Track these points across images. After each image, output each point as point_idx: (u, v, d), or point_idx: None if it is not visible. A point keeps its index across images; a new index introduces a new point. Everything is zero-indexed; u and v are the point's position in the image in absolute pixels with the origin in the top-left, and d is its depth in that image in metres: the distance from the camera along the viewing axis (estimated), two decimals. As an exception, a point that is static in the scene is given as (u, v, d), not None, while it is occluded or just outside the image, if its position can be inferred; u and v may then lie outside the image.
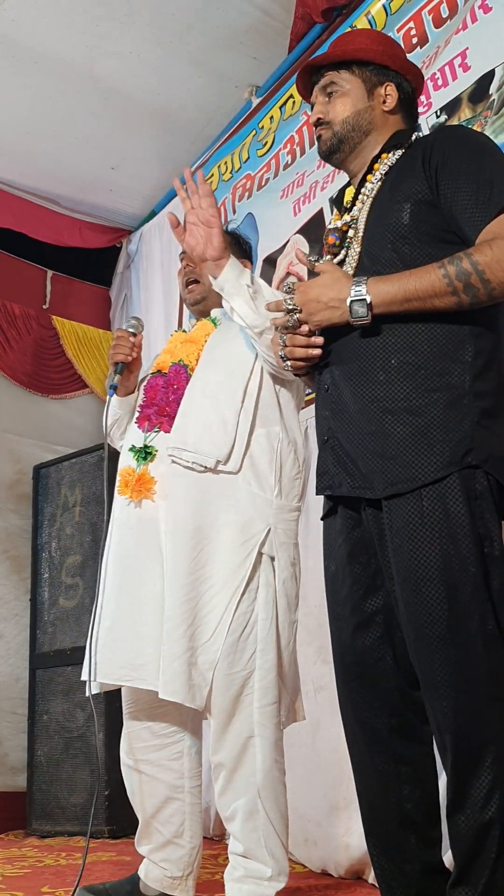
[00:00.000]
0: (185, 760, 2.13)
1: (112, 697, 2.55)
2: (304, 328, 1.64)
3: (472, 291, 1.50)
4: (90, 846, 3.29)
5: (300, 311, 1.63)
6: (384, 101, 1.77)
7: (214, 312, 2.30)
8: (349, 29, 3.23)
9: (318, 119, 1.79)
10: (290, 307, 1.64)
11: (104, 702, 3.33)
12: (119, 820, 3.43)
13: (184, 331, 2.38)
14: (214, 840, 3.17)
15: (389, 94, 1.77)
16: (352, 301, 1.55)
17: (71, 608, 3.82)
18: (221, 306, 2.19)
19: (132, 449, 2.16)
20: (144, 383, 2.26)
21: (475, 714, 1.44)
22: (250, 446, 2.07)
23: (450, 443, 1.51)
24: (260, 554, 2.01)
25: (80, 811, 3.54)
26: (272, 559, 2.04)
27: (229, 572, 1.99)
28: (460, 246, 1.56)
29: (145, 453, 2.12)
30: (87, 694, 2.07)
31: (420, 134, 1.80)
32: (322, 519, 1.76)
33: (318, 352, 1.65)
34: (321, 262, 1.66)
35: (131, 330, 2.29)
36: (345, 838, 2.47)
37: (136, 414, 2.23)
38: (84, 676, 2.06)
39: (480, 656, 1.45)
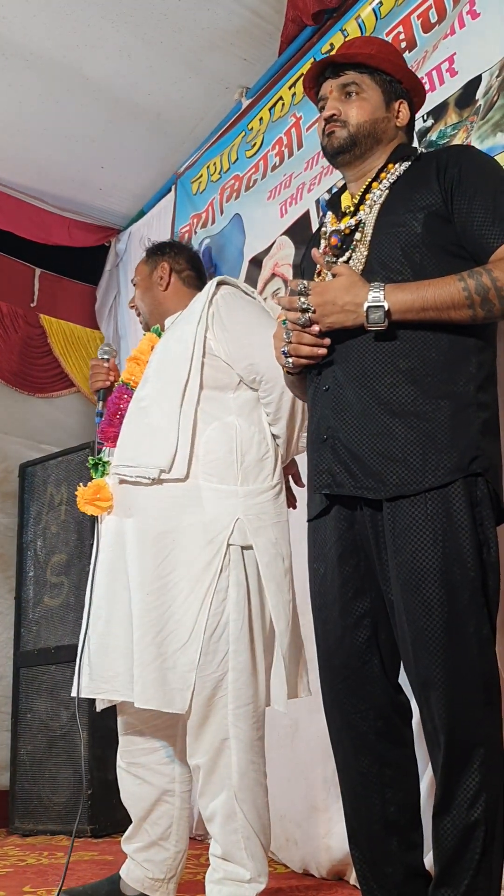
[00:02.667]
0: (176, 765, 2.15)
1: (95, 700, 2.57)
2: (315, 328, 1.64)
3: (489, 306, 1.54)
4: (75, 845, 3.30)
5: (313, 312, 1.63)
6: (398, 116, 1.82)
7: (166, 322, 2.34)
8: (339, 32, 3.24)
9: (333, 115, 1.80)
10: (304, 306, 1.64)
11: (87, 702, 3.34)
12: (101, 819, 3.43)
13: (156, 331, 2.41)
14: (197, 840, 3.17)
15: (402, 110, 1.83)
16: (369, 307, 1.57)
17: (56, 607, 3.82)
18: (167, 316, 2.34)
19: (90, 460, 2.24)
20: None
21: (467, 716, 1.47)
22: (202, 447, 2.07)
23: (457, 449, 1.54)
24: (229, 547, 2.01)
25: (63, 810, 3.55)
26: (245, 549, 2.03)
27: (199, 572, 1.99)
28: (468, 260, 1.61)
29: (96, 465, 2.21)
30: (81, 703, 2.09)
31: (422, 150, 1.84)
32: (309, 520, 1.75)
33: (323, 351, 1.66)
34: (339, 264, 1.67)
35: (104, 356, 2.40)
36: (325, 839, 2.48)
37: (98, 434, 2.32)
38: (73, 693, 2.10)
39: (475, 660, 1.48)
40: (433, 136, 2.68)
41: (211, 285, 2.23)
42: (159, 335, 2.30)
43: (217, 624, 1.98)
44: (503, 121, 2.39)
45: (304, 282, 1.65)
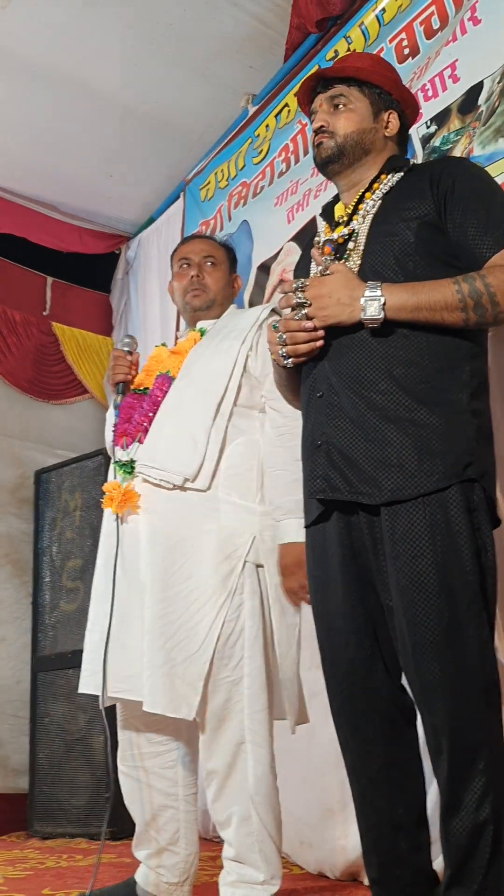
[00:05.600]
0: (179, 769, 2.16)
1: (113, 701, 2.60)
2: (309, 324, 1.66)
3: (481, 311, 1.57)
4: (91, 848, 3.34)
5: (310, 305, 1.65)
6: (386, 126, 1.84)
7: (201, 324, 2.35)
8: (343, 39, 3.27)
9: (321, 126, 1.83)
10: (300, 301, 1.66)
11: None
12: (120, 822, 3.45)
13: (164, 344, 2.42)
14: (214, 841, 3.20)
15: (391, 121, 1.85)
16: (366, 300, 1.59)
17: (72, 611, 3.86)
18: (211, 317, 2.30)
19: (117, 463, 2.19)
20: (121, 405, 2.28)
21: (471, 718, 1.49)
22: (225, 460, 2.10)
23: (452, 454, 1.56)
24: (245, 563, 2.05)
25: (82, 813, 3.59)
26: (259, 567, 2.07)
27: (216, 584, 2.02)
28: (461, 270, 1.63)
29: (130, 468, 2.15)
30: (101, 706, 2.08)
31: (415, 162, 1.87)
32: (308, 526, 1.77)
33: (320, 344, 1.68)
34: (335, 263, 1.69)
35: (126, 349, 2.34)
36: (340, 841, 2.50)
37: (112, 433, 2.26)
38: (82, 689, 2.11)
39: (476, 662, 1.50)
40: (437, 141, 2.70)
41: (264, 310, 2.30)
42: (202, 335, 2.32)
43: (232, 630, 2.01)
44: (504, 127, 2.41)
45: (302, 279, 1.68)
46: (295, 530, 2.01)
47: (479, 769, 1.46)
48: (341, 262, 1.72)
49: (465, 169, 1.78)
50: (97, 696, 2.07)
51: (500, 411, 2.17)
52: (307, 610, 1.90)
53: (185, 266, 2.40)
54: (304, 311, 1.66)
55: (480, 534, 1.56)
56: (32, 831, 3.75)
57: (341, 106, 1.82)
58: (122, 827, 3.47)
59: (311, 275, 1.80)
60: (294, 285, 1.68)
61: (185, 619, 2.00)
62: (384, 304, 1.58)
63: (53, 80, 3.81)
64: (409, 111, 1.90)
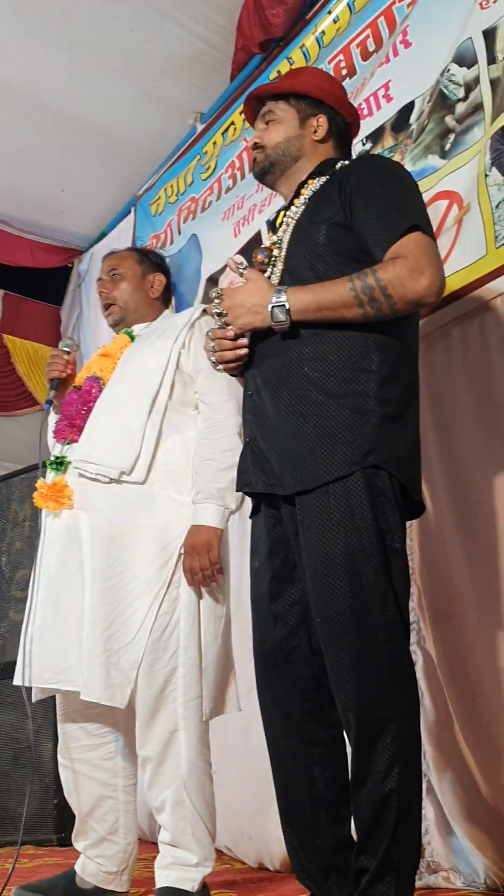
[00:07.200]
0: (119, 759, 2.21)
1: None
2: (230, 332, 1.76)
3: (376, 305, 1.63)
4: (37, 853, 3.34)
5: (227, 315, 1.74)
6: (315, 131, 1.92)
7: (136, 328, 2.42)
8: (285, 60, 3.39)
9: (255, 143, 1.95)
10: (217, 311, 1.75)
11: (52, 712, 3.40)
12: (67, 829, 3.45)
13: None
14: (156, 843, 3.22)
15: (321, 124, 1.92)
16: (273, 307, 1.67)
17: (20, 622, 3.80)
18: (140, 322, 2.33)
19: (47, 462, 2.25)
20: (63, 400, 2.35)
21: (377, 694, 1.55)
22: (161, 456, 2.17)
23: (353, 443, 1.62)
24: (180, 555, 2.11)
25: (30, 821, 3.58)
26: None
27: (151, 576, 2.08)
28: (371, 265, 1.68)
29: (58, 464, 2.21)
30: (26, 701, 2.13)
31: (345, 162, 1.93)
32: (249, 517, 1.88)
33: (245, 352, 1.77)
34: (248, 270, 1.78)
35: (65, 348, 2.40)
36: (277, 832, 2.53)
37: (52, 429, 2.33)
38: (17, 681, 2.14)
39: (382, 641, 1.56)
40: (372, 158, 2.81)
41: (196, 310, 2.38)
42: (132, 338, 2.39)
43: (168, 623, 2.07)
44: (433, 144, 2.53)
45: (219, 289, 1.77)
46: (210, 514, 2.09)
47: (386, 743, 1.53)
48: (270, 269, 1.83)
49: (371, 166, 1.85)
50: (47, 705, 2.10)
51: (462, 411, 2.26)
52: (242, 607, 1.98)
53: (99, 285, 2.51)
54: (222, 321, 1.75)
55: (385, 517, 1.62)
56: (-21, 840, 3.72)
57: (270, 121, 1.93)
58: (69, 834, 3.47)
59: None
60: (212, 295, 1.77)
61: (121, 610, 2.05)
62: (288, 308, 1.66)
63: (4, 96, 3.86)
64: (344, 112, 1.96)
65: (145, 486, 2.14)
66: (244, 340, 1.77)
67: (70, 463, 2.20)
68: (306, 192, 1.86)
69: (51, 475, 2.22)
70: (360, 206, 1.72)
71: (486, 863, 2.03)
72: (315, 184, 1.87)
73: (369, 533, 1.60)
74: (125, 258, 2.52)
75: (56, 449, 2.28)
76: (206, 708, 2.09)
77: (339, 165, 1.90)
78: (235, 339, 1.77)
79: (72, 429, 2.25)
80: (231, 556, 2.30)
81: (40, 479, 2.23)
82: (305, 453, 1.65)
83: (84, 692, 2.01)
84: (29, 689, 2.13)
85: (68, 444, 2.24)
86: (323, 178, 1.87)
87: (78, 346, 2.47)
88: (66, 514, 2.17)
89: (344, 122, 1.97)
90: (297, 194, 1.88)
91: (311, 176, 1.89)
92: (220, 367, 1.83)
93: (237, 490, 1.84)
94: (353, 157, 2.07)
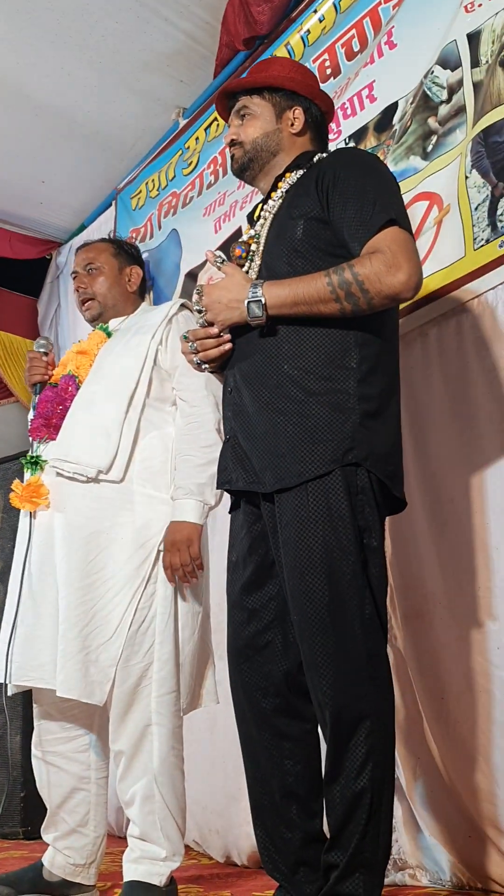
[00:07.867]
0: (92, 753, 2.21)
1: (30, 702, 2.62)
2: (213, 329, 1.75)
3: (353, 300, 1.62)
4: (3, 846, 3.33)
5: (206, 312, 1.74)
6: (292, 124, 1.92)
7: (112, 322, 2.41)
8: (269, 57, 3.38)
9: (232, 140, 1.93)
10: (198, 308, 1.75)
11: (21, 705, 3.39)
12: (34, 822, 3.45)
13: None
14: (124, 838, 3.22)
15: (297, 117, 1.92)
16: (249, 302, 1.67)
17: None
18: (117, 316, 2.34)
19: (23, 461, 2.24)
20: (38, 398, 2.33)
21: (352, 691, 1.55)
22: (139, 453, 2.16)
23: (333, 442, 1.62)
24: (158, 552, 2.11)
25: (-4, 814, 3.56)
26: None
27: (129, 574, 2.08)
28: (348, 259, 1.68)
29: (34, 463, 2.20)
30: (2, 697, 2.12)
31: (323, 155, 1.92)
32: (229, 512, 1.88)
33: (229, 346, 1.76)
34: (226, 264, 1.77)
35: (42, 349, 2.39)
36: (244, 827, 2.55)
37: (29, 427, 2.31)
38: None
39: (358, 638, 1.57)
40: (354, 157, 2.82)
41: (173, 305, 2.35)
42: (108, 334, 2.37)
43: (144, 618, 2.07)
44: (415, 145, 2.54)
45: (200, 285, 1.77)
46: (190, 510, 2.09)
47: (360, 740, 1.54)
48: (247, 263, 1.82)
49: (348, 160, 1.83)
50: (15, 699, 2.10)
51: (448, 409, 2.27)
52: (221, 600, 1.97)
53: (75, 280, 2.48)
54: (202, 318, 1.75)
55: (364, 516, 1.63)
56: None
57: (246, 116, 1.92)
58: (35, 827, 3.46)
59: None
60: (194, 292, 1.77)
61: (100, 607, 2.05)
62: (264, 303, 1.66)
63: (-14, 84, 3.84)
64: (319, 102, 1.95)
65: (123, 485, 2.13)
66: (227, 336, 1.76)
67: (46, 462, 2.19)
68: (283, 186, 1.86)
69: (27, 474, 2.21)
70: (338, 200, 1.71)
71: (451, 860, 2.05)
72: (292, 177, 1.86)
73: (347, 531, 1.60)
74: (101, 251, 2.49)
75: (32, 448, 2.26)
76: (183, 703, 2.09)
77: (316, 158, 1.89)
78: (217, 336, 1.76)
79: (48, 428, 2.24)
80: (210, 550, 2.31)
81: (16, 479, 2.22)
82: (285, 451, 1.65)
83: (62, 690, 2.00)
84: (2, 686, 2.12)
85: (44, 442, 2.23)
86: (300, 172, 1.86)
87: (53, 345, 2.46)
88: (45, 514, 2.16)
89: (319, 112, 1.96)
90: (274, 188, 1.88)
91: (289, 169, 1.88)
92: (205, 366, 1.81)
93: (218, 487, 1.84)
94: (330, 147, 2.07)
